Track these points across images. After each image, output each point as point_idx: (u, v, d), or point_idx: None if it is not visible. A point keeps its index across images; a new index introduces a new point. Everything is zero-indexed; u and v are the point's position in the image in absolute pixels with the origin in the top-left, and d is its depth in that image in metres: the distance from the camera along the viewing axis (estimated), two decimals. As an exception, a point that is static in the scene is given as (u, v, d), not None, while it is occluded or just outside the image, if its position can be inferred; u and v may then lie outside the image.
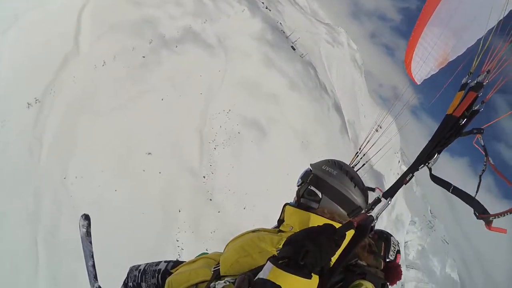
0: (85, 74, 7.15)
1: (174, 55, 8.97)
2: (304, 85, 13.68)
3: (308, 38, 18.91)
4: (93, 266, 2.21)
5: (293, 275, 1.04)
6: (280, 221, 1.78)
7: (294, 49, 17.60)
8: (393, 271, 2.22)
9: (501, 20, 2.12)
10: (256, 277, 1.11)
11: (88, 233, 2.29)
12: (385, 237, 2.35)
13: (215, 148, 8.65)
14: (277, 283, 1.04)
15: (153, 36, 8.97)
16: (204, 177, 8.04)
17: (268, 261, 1.11)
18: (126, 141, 6.81)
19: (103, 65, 7.49)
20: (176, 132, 7.87)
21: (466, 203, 1.35)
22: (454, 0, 3.19)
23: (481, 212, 1.27)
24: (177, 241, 6.87)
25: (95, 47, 7.61)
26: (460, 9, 3.17)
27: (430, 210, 52.96)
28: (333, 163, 1.74)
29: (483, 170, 1.50)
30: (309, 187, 1.70)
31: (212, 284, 1.54)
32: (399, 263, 2.32)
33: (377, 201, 1.44)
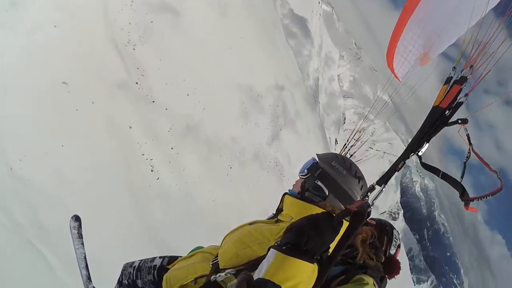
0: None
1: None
2: None
3: None
4: (86, 267, 2.18)
5: (297, 259, 1.09)
6: (279, 210, 1.79)
7: None
8: (392, 266, 2.25)
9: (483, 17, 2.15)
10: (256, 275, 1.12)
11: (80, 235, 2.23)
12: (387, 231, 2.36)
13: (134, 49, 7.98)
14: (282, 267, 1.09)
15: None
16: (136, 83, 7.69)
17: (271, 249, 1.15)
18: (43, 91, 5.82)
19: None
20: (87, 51, 6.90)
21: (453, 187, 1.52)
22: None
23: (464, 196, 1.43)
24: (143, 155, 6.94)
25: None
26: (440, 9, 3.10)
27: (355, 43, 56.70)
28: (342, 161, 1.73)
29: (467, 158, 1.64)
30: (316, 181, 1.70)
31: (212, 277, 1.59)
32: (398, 259, 2.34)
33: (371, 188, 1.56)
